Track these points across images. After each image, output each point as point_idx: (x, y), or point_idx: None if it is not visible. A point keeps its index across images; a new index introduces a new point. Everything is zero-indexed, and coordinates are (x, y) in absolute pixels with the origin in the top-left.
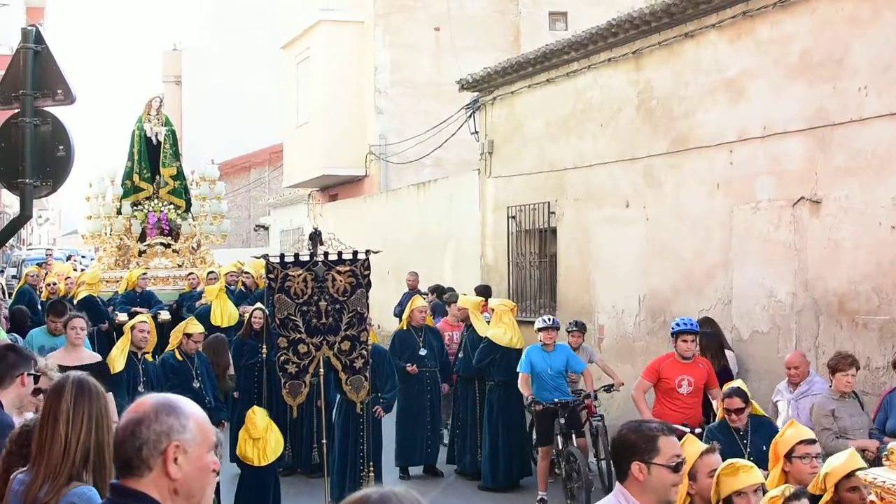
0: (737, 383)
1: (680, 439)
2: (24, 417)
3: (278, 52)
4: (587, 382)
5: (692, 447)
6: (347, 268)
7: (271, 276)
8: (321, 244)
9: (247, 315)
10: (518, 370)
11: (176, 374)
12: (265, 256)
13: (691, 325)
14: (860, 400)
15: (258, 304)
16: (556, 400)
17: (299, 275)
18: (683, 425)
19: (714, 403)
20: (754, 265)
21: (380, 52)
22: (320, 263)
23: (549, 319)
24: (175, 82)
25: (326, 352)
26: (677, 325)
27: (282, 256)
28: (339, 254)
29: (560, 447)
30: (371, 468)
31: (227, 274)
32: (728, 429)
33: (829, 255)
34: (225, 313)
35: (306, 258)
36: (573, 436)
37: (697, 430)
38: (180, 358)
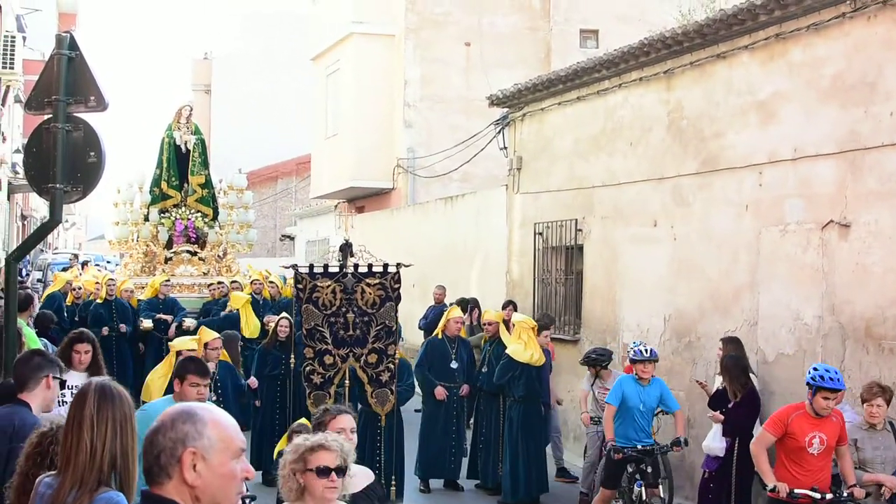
0: None
1: None
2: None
3: (308, 64)
4: (678, 424)
5: None
6: (377, 280)
7: (300, 286)
8: (351, 256)
9: (272, 325)
10: (605, 401)
11: None
12: (294, 266)
13: (837, 381)
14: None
15: (284, 314)
16: (639, 446)
17: (328, 286)
18: (813, 490)
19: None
20: (781, 287)
21: (410, 67)
22: (350, 275)
23: (647, 350)
24: (205, 91)
25: (353, 363)
26: (820, 377)
27: (311, 267)
28: (370, 266)
29: (644, 498)
30: (393, 482)
31: (252, 282)
32: None
33: (857, 280)
34: (251, 324)
35: (336, 269)
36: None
37: (829, 497)
38: None
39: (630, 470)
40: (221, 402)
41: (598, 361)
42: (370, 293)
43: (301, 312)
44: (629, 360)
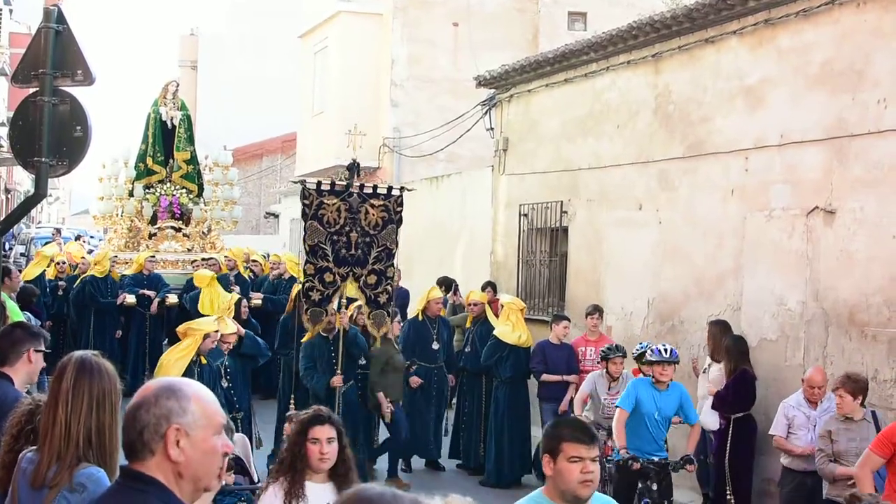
0: None
1: None
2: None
3: (295, 41)
4: (691, 439)
5: None
6: (381, 202)
7: (306, 202)
8: (358, 176)
9: (256, 301)
10: (616, 405)
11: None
12: (302, 181)
13: None
14: (878, 425)
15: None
16: (655, 459)
17: (333, 204)
18: None
19: None
20: (765, 273)
21: (397, 46)
22: (356, 195)
23: (667, 350)
24: (191, 67)
25: (352, 283)
26: None
27: (319, 183)
28: (375, 187)
29: None
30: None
31: (225, 259)
32: None
33: (842, 266)
34: (216, 301)
35: (342, 188)
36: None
37: None
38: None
39: (639, 486)
40: (231, 388)
41: (617, 350)
42: (374, 214)
43: (305, 229)
44: (636, 361)
